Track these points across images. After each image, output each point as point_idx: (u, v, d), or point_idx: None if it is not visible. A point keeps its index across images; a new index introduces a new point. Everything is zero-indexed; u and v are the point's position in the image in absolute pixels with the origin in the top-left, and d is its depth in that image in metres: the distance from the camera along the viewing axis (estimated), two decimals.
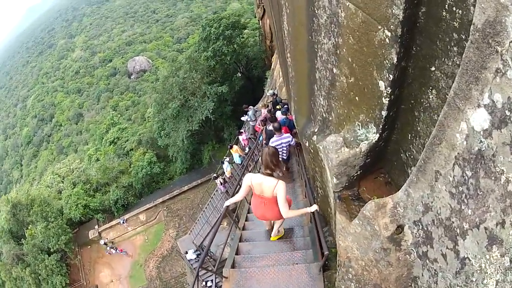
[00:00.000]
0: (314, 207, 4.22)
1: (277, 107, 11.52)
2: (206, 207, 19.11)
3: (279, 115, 9.76)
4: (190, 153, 30.30)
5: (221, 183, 16.86)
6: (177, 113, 25.84)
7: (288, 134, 7.70)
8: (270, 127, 8.10)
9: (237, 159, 15.28)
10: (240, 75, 30.29)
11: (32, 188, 43.49)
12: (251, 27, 35.15)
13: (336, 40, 2.92)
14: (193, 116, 25.25)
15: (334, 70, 3.15)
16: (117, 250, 26.62)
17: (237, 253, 5.12)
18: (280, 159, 5.79)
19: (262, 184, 4.02)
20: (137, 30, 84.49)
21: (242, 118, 14.05)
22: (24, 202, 28.72)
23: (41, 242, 25.87)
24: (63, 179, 38.44)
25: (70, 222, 29.01)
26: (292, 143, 7.51)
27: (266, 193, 4.05)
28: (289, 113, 9.48)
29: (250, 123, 14.02)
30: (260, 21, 31.00)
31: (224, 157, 16.57)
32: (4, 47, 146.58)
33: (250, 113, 13.34)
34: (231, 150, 14.95)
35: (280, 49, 6.57)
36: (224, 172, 16.48)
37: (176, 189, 28.26)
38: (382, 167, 3.44)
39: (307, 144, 4.72)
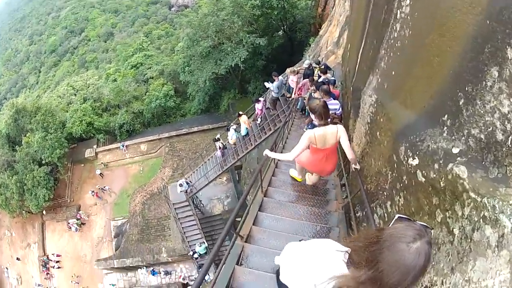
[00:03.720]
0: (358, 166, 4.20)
1: (316, 71, 9.89)
2: (208, 160, 17.93)
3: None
4: (209, 96, 29.61)
5: (220, 148, 15.59)
6: (207, 53, 24.67)
7: (337, 102, 6.82)
8: (316, 94, 7.43)
9: (243, 131, 14.24)
10: (282, 33, 28.55)
11: (43, 96, 42.83)
12: None
13: None
14: (223, 60, 24.05)
15: None
16: (93, 194, 26.05)
17: (254, 223, 4.31)
18: None
19: (326, 134, 4.04)
20: None
21: (266, 84, 12.17)
22: (29, 108, 27.57)
23: (35, 151, 25.04)
24: (76, 92, 37.79)
25: (70, 137, 28.37)
26: (338, 112, 6.71)
27: (330, 140, 4.08)
28: (334, 87, 8.56)
29: (272, 93, 12.48)
30: None
31: (231, 124, 15.50)
32: None
33: (275, 84, 11.65)
34: (239, 118, 13.97)
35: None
36: (228, 138, 15.41)
37: (185, 128, 27.35)
38: None
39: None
